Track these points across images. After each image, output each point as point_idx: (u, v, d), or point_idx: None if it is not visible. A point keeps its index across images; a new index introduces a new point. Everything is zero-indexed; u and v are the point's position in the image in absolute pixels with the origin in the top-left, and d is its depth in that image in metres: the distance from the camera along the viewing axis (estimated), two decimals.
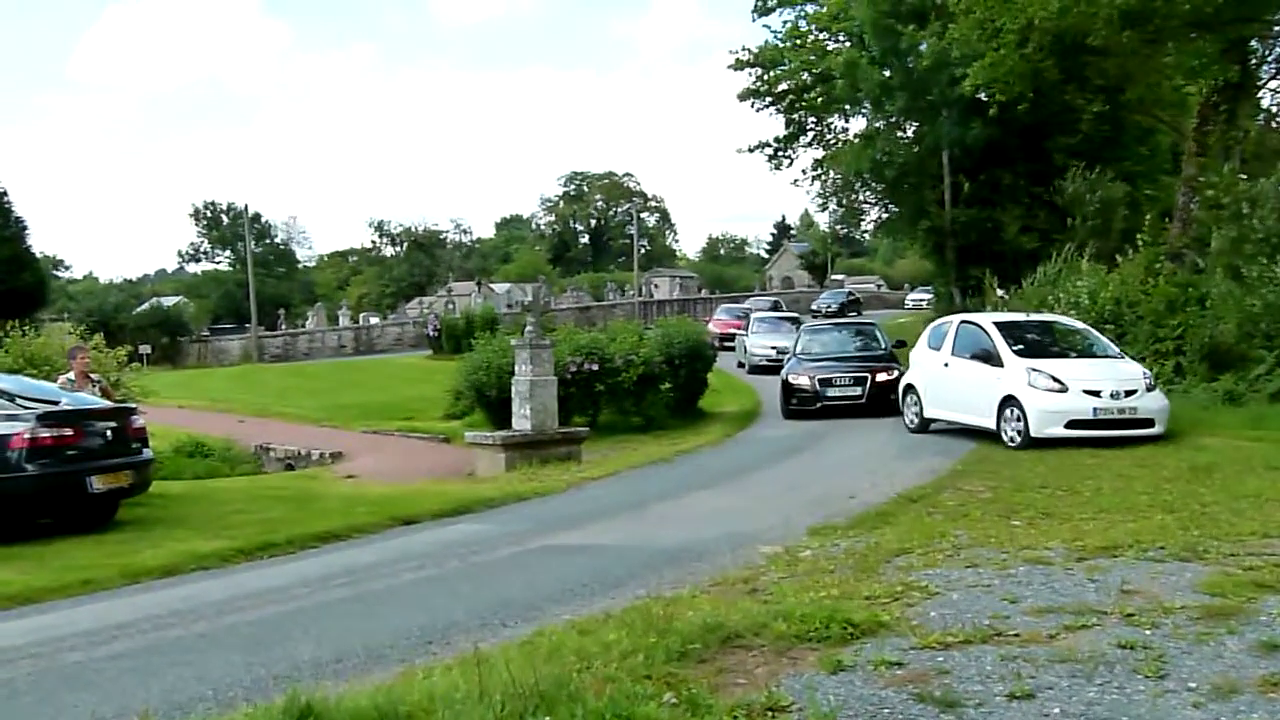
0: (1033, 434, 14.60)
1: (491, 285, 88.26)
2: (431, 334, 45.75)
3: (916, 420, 17.49)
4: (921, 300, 70.10)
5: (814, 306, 54.40)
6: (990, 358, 15.86)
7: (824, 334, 24.39)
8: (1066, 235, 25.63)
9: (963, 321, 17.64)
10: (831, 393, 20.44)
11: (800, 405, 20.69)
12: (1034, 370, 15.06)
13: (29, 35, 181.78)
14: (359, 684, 4.93)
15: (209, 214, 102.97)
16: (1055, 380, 14.80)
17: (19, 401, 11.75)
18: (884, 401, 19.49)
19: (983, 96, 27.93)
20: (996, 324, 16.62)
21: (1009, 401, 15.10)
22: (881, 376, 20.27)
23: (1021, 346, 15.91)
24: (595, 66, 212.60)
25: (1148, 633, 5.10)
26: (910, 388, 17.83)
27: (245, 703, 4.92)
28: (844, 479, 12.90)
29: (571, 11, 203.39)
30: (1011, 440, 14.91)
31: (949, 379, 16.76)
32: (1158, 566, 6.65)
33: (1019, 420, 14.89)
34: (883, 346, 22.18)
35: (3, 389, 12.10)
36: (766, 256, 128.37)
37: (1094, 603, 5.75)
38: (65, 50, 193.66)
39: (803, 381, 20.93)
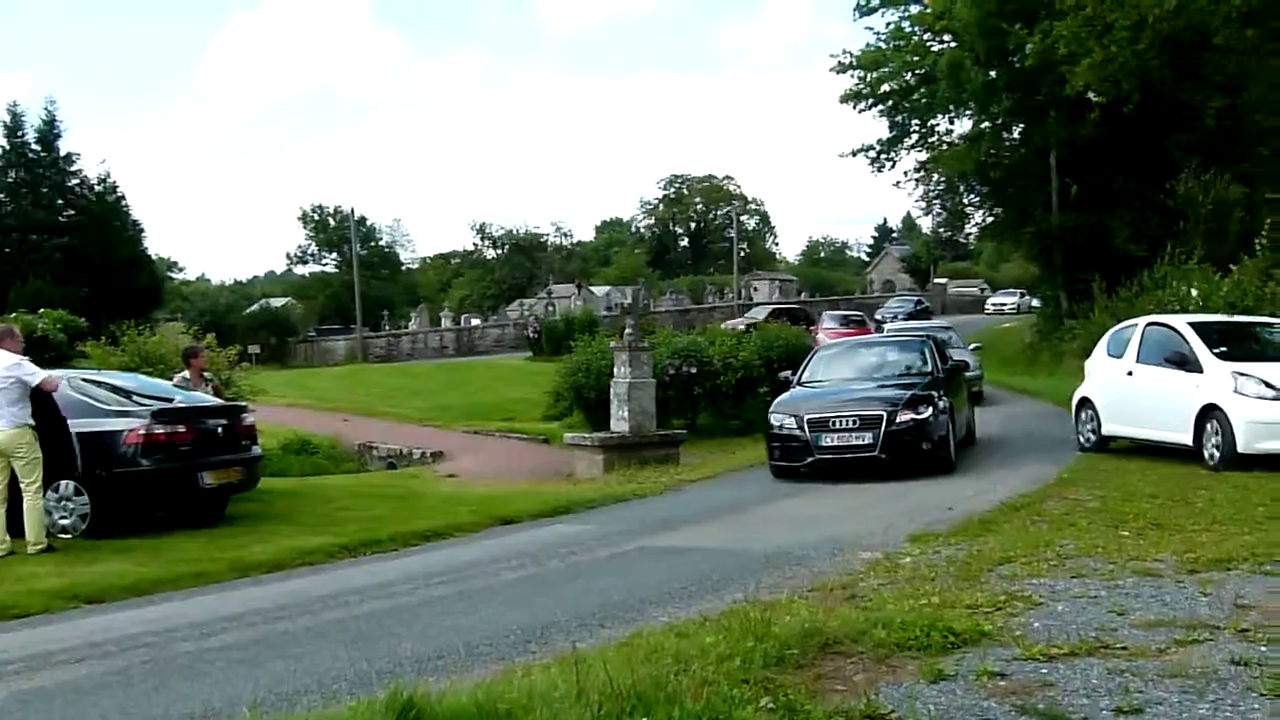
0: (1240, 449, 12.32)
1: (591, 288, 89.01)
2: (531, 335, 46.26)
3: (1093, 438, 15.34)
4: (1004, 304, 66.55)
5: (878, 315, 49.48)
6: (1185, 362, 13.58)
7: (845, 354, 17.56)
8: (1179, 240, 24.84)
9: (1150, 323, 15.21)
10: (828, 440, 13.99)
11: (784, 459, 14.46)
12: (1241, 375, 12.74)
13: (150, 44, 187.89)
14: (459, 680, 4.97)
15: (316, 217, 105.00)
16: (1269, 386, 12.50)
17: (135, 399, 12.15)
18: (911, 453, 13.84)
19: (1091, 96, 27.28)
20: (1192, 324, 14.36)
21: (1210, 412, 12.85)
22: (905, 417, 13.86)
23: (1224, 349, 13.58)
24: (696, 71, 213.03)
25: (1264, 649, 4.91)
26: (1085, 401, 15.72)
27: (349, 696, 4.99)
28: (944, 487, 12.73)
29: (677, 17, 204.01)
30: (1212, 458, 12.69)
31: (1133, 390, 14.58)
32: (1275, 580, 6.42)
33: (1222, 434, 12.63)
34: (928, 370, 15.71)
35: (120, 386, 12.54)
36: (867, 260, 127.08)
37: (1206, 617, 5.57)
38: (189, 58, 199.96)
39: (788, 423, 14.41)
